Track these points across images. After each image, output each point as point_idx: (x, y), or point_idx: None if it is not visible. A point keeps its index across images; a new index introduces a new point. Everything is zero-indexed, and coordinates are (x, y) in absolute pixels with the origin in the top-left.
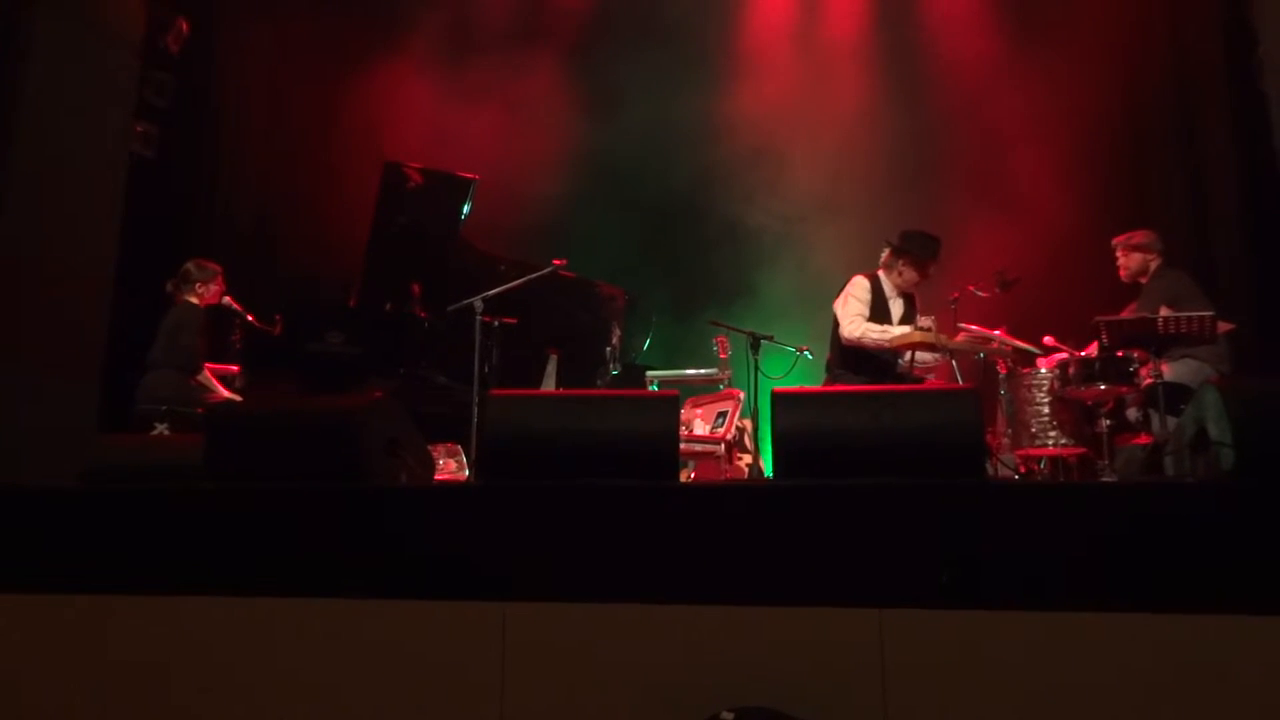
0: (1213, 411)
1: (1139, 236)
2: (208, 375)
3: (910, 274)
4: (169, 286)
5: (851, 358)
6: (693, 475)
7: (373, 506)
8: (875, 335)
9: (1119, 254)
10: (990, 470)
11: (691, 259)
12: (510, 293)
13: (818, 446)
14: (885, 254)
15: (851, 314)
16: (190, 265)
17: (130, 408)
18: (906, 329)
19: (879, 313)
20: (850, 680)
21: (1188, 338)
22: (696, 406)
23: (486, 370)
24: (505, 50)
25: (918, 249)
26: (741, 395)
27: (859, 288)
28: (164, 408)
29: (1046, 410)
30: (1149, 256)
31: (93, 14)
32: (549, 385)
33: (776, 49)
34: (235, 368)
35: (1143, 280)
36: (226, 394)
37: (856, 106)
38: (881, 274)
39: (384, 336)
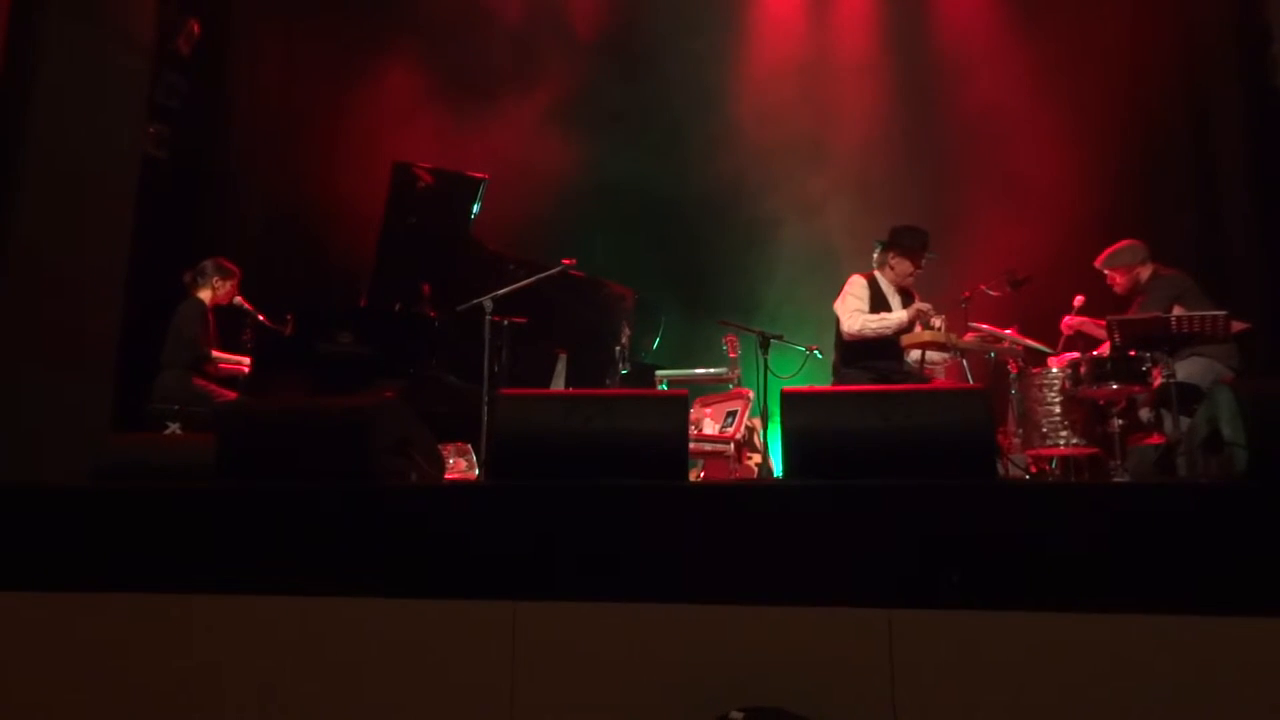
0: (1226, 412)
1: (1119, 256)
2: (207, 383)
3: (903, 265)
4: (186, 277)
5: (854, 355)
6: (702, 474)
7: (383, 506)
8: (875, 325)
9: (1105, 275)
10: (1001, 470)
11: (700, 258)
12: (520, 292)
13: (827, 446)
14: (877, 252)
15: (850, 309)
16: (209, 262)
17: (143, 406)
18: (903, 315)
19: (879, 309)
20: (859, 681)
21: (1201, 337)
22: (706, 406)
23: (496, 370)
24: (517, 50)
25: (906, 240)
26: (751, 394)
27: (856, 286)
28: (176, 407)
29: (1058, 410)
30: (1135, 269)
31: (104, 17)
32: (558, 385)
33: (789, 51)
34: (248, 359)
35: (1140, 285)
36: (228, 395)
37: (867, 106)
38: (877, 273)
39: (394, 336)
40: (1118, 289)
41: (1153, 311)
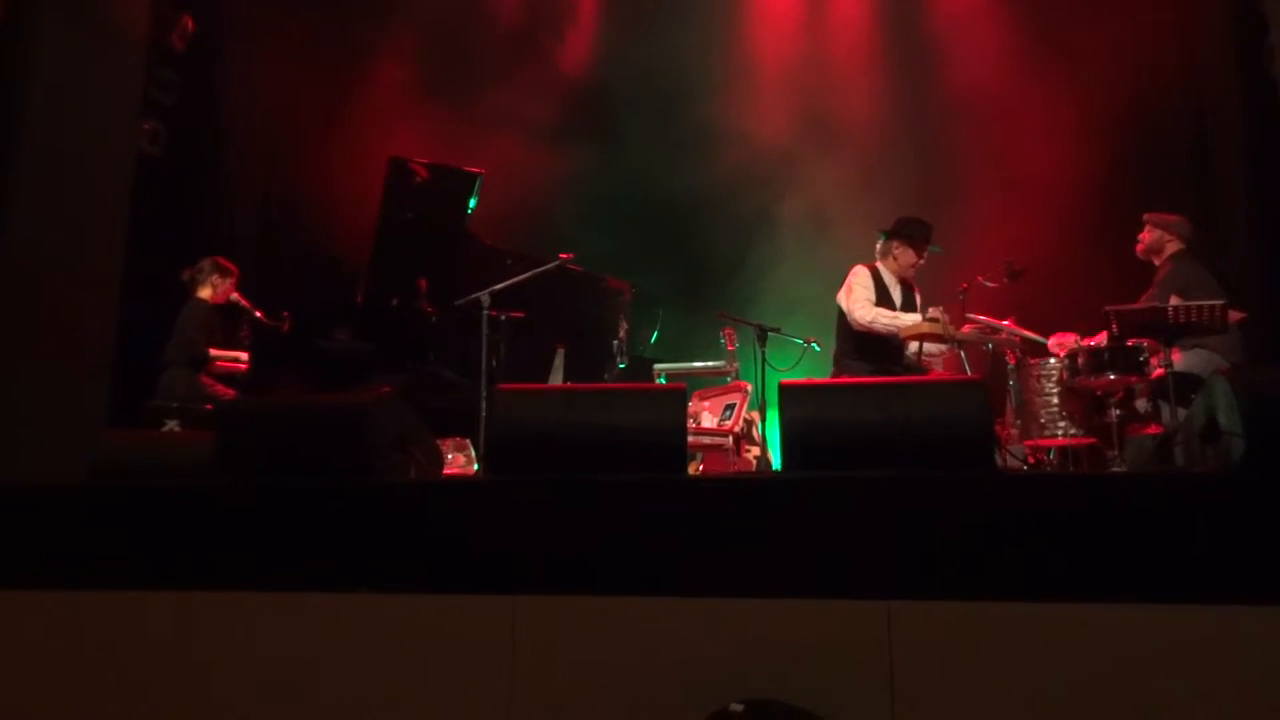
0: (1223, 401)
1: (1162, 216)
2: (208, 381)
3: (906, 256)
4: (185, 276)
5: (859, 346)
6: (701, 468)
7: (381, 501)
8: (886, 320)
9: (1145, 227)
10: (999, 461)
11: (698, 252)
12: (517, 287)
13: (825, 438)
14: (880, 243)
15: (860, 300)
16: (207, 261)
17: (141, 404)
18: (916, 318)
19: (881, 300)
20: (858, 672)
21: (1198, 327)
22: (704, 399)
23: (494, 365)
24: (513, 45)
25: (911, 230)
26: (749, 387)
27: (861, 276)
28: (175, 404)
29: (1055, 400)
30: (1167, 237)
31: (99, 13)
32: (556, 379)
33: (787, 43)
34: (245, 355)
35: (1155, 260)
36: (228, 393)
37: (865, 100)
38: (880, 264)
39: (391, 332)
40: (1139, 246)
41: (1157, 300)
